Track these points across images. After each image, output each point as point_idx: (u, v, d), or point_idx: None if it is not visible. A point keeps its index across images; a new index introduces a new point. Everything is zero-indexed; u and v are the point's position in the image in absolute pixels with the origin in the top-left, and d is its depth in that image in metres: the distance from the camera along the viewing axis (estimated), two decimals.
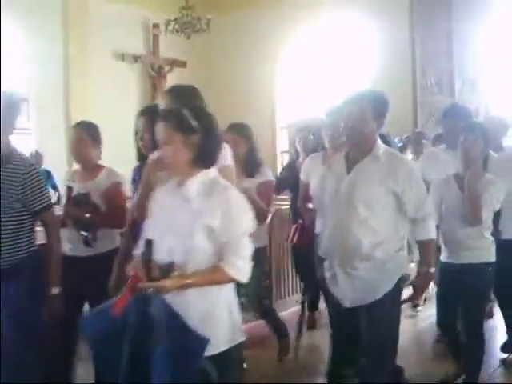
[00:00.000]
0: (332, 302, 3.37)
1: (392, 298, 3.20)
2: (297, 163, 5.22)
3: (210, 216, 2.29)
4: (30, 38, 8.01)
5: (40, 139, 8.11)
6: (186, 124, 2.32)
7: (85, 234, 3.63)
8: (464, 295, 3.94)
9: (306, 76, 9.56)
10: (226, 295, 2.39)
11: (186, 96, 3.46)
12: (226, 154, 4.37)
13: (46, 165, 7.35)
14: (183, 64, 9.55)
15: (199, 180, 2.36)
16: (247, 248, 2.40)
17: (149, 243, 2.24)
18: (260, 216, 3.96)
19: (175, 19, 8.80)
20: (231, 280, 2.35)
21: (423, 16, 7.66)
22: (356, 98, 3.18)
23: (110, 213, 3.76)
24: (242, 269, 2.35)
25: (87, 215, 3.65)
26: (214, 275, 2.32)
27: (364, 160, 3.20)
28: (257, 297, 4.44)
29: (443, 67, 7.97)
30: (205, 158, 2.37)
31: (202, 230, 2.30)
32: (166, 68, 9.45)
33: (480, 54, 8.15)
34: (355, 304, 3.20)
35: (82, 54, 8.52)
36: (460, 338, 3.97)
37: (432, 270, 3.31)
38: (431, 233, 3.32)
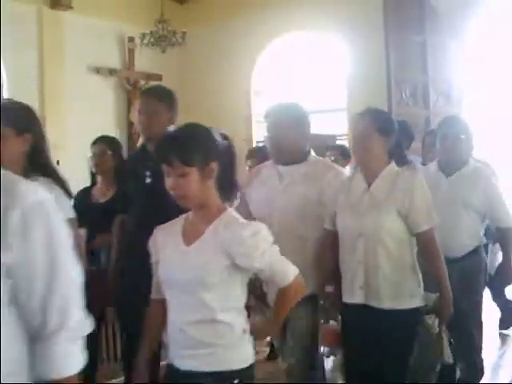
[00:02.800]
0: None
1: None
2: None
3: None
4: (4, 52, 7.94)
5: None
6: None
7: None
8: None
9: (282, 87, 9.58)
10: None
11: None
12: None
13: None
14: (159, 77, 9.50)
15: None
16: None
17: None
18: None
19: (150, 32, 8.79)
20: None
21: (397, 29, 7.71)
22: None
23: None
24: None
25: None
26: None
27: None
28: None
29: (418, 79, 8.03)
30: None
31: None
32: (142, 82, 9.40)
33: (455, 66, 8.23)
34: None
35: (57, 67, 8.46)
36: None
37: None
38: None
